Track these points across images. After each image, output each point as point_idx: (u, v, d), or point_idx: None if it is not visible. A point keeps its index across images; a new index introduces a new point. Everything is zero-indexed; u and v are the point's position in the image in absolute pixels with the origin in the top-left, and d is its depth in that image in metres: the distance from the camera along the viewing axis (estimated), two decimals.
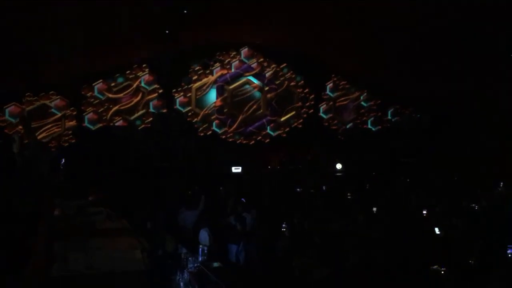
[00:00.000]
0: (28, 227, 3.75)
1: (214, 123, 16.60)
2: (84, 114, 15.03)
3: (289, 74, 17.50)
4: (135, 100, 15.63)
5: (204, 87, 16.46)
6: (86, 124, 15.06)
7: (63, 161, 11.91)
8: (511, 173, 13.78)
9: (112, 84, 15.33)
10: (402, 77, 16.24)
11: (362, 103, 18.59)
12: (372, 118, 18.62)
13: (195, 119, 16.36)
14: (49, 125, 14.57)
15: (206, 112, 16.50)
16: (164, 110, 15.93)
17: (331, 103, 18.13)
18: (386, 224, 8.53)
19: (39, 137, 13.91)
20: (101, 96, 15.15)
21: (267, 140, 17.22)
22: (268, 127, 17.30)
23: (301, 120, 17.72)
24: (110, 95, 15.28)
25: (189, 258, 5.42)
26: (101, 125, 15.19)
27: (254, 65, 16.98)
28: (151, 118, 15.74)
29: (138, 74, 15.59)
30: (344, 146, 17.54)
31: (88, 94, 15.02)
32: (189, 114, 16.27)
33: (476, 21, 11.08)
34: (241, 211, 9.22)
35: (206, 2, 11.68)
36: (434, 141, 17.17)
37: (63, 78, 14.25)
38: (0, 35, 10.15)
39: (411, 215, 9.66)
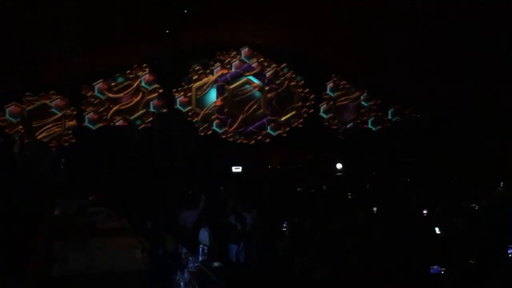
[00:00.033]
0: (28, 227, 3.76)
1: (214, 123, 16.60)
2: (84, 113, 15.03)
3: (289, 73, 17.51)
4: (135, 99, 15.63)
5: (205, 87, 16.47)
6: (86, 123, 15.06)
7: (64, 160, 11.92)
8: (511, 173, 13.78)
9: (113, 84, 15.34)
10: (402, 77, 16.24)
11: (362, 103, 18.59)
12: (372, 118, 18.62)
13: (196, 119, 16.37)
14: (50, 125, 14.57)
15: (207, 111, 16.51)
16: (165, 110, 15.94)
17: (332, 102, 18.14)
18: (386, 224, 8.53)
19: (39, 137, 13.91)
20: (101, 96, 15.16)
21: (268, 140, 17.23)
22: (269, 127, 17.30)
23: (302, 120, 17.72)
24: (110, 95, 15.28)
25: (189, 258, 5.42)
26: (101, 124, 15.19)
27: (254, 65, 16.98)
28: (151, 118, 15.74)
29: (139, 73, 15.60)
30: (344, 146, 17.54)
31: (89, 94, 15.02)
32: (190, 113, 16.28)
33: (476, 21, 11.07)
34: (241, 210, 9.22)
35: (206, 2, 11.68)
36: (434, 141, 17.17)
37: (63, 78, 14.25)
38: (0, 35, 10.15)
39: (411, 215, 9.66)
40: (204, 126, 16.46)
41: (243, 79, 16.95)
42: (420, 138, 17.46)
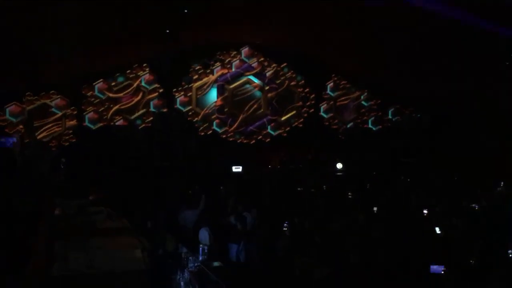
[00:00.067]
0: (28, 227, 3.76)
1: (214, 123, 16.60)
2: (84, 113, 15.03)
3: (289, 73, 17.50)
4: (136, 99, 15.63)
5: (205, 87, 16.46)
6: (86, 123, 15.06)
7: (64, 160, 11.92)
8: (511, 173, 13.77)
9: (113, 84, 15.33)
10: (402, 77, 16.23)
11: (363, 102, 18.59)
12: (372, 118, 18.61)
13: (196, 119, 16.36)
14: (50, 125, 14.57)
15: (207, 111, 16.50)
16: (165, 110, 15.93)
17: (332, 102, 18.13)
18: (386, 223, 8.53)
19: (39, 137, 13.91)
20: (101, 96, 15.15)
21: (268, 140, 17.22)
22: (269, 127, 17.30)
23: (302, 120, 17.72)
24: (111, 95, 15.28)
25: (190, 258, 5.43)
26: (101, 124, 15.19)
27: (254, 65, 16.98)
28: (151, 118, 15.74)
29: (139, 73, 15.60)
30: (344, 145, 17.54)
31: (89, 94, 15.02)
32: (190, 113, 16.27)
33: (476, 21, 11.07)
34: (241, 210, 9.23)
35: (206, 2, 11.67)
36: (434, 141, 17.17)
37: (64, 77, 14.25)
38: (0, 35, 10.15)
39: (412, 215, 9.66)
40: (204, 125, 16.46)
41: (244, 79, 16.94)
42: (420, 138, 17.46)
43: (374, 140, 17.80)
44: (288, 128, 17.51)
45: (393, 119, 18.74)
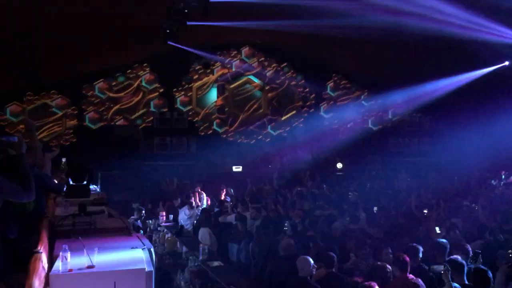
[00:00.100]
0: (28, 227, 3.76)
1: (215, 122, 16.61)
2: (85, 113, 15.05)
3: (289, 73, 17.51)
4: (136, 99, 15.65)
5: (205, 86, 16.48)
6: (87, 123, 15.08)
7: (64, 160, 11.91)
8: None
9: (113, 83, 15.36)
10: (402, 77, 16.21)
11: (363, 102, 18.58)
12: (372, 118, 18.61)
13: (196, 118, 16.38)
14: (50, 124, 14.59)
15: (207, 111, 16.52)
16: (165, 109, 15.95)
17: (332, 102, 18.13)
18: (386, 223, 8.53)
19: (40, 136, 13.92)
20: (102, 95, 15.18)
21: (268, 140, 17.23)
22: (269, 126, 17.31)
23: (302, 119, 17.72)
24: (111, 94, 15.30)
25: (190, 257, 5.44)
26: (102, 124, 15.20)
27: (254, 64, 16.99)
28: (151, 117, 15.76)
29: (139, 73, 15.62)
30: (344, 145, 17.52)
31: (89, 93, 15.05)
32: (190, 113, 16.28)
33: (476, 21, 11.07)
34: (241, 210, 9.23)
35: (206, 2, 11.66)
36: (434, 141, 17.16)
37: (64, 77, 14.26)
38: (0, 35, 10.16)
39: (412, 214, 9.66)
40: (205, 125, 16.47)
41: (244, 79, 16.96)
42: (420, 138, 17.45)
43: (374, 140, 17.80)
44: (288, 128, 17.52)
45: (393, 119, 18.73)
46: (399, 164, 15.89)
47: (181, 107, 16.10)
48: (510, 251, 5.76)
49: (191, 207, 9.86)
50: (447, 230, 7.56)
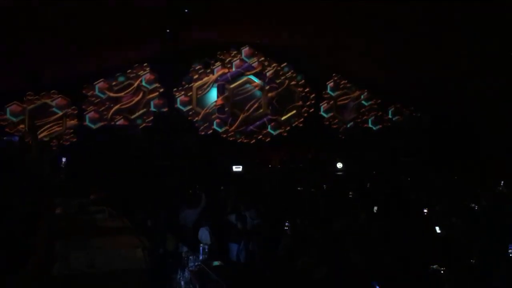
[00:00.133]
0: (28, 226, 3.76)
1: (215, 122, 16.62)
2: (85, 113, 15.05)
3: (289, 73, 17.52)
4: (136, 99, 15.65)
5: (205, 86, 16.48)
6: (87, 123, 15.08)
7: (64, 160, 11.93)
8: (511, 173, 13.76)
9: (113, 83, 15.35)
10: (402, 77, 16.23)
11: (363, 102, 18.59)
12: (372, 117, 18.63)
13: (196, 118, 16.38)
14: (50, 124, 14.59)
15: (207, 111, 16.52)
16: (165, 109, 15.94)
17: (332, 102, 18.14)
18: (386, 223, 8.53)
19: (40, 136, 13.92)
20: (102, 95, 15.17)
21: (268, 139, 17.24)
22: (269, 126, 17.31)
23: (302, 119, 17.74)
24: (111, 94, 15.29)
25: (190, 257, 5.44)
26: (102, 124, 15.20)
27: (254, 64, 16.99)
28: (152, 117, 15.75)
29: (139, 73, 15.62)
30: (344, 145, 17.54)
31: (89, 93, 15.04)
32: (190, 113, 16.28)
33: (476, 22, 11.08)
34: (241, 210, 9.22)
35: (206, 2, 11.67)
36: (434, 141, 17.16)
37: (64, 77, 14.26)
38: (0, 35, 10.15)
39: (412, 214, 9.66)
40: (205, 125, 16.47)
41: (244, 78, 16.96)
42: (420, 138, 17.45)
43: (374, 140, 17.81)
44: (288, 128, 17.53)
45: (393, 119, 18.75)
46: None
47: (181, 107, 16.10)
48: None
49: (191, 206, 9.84)
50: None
